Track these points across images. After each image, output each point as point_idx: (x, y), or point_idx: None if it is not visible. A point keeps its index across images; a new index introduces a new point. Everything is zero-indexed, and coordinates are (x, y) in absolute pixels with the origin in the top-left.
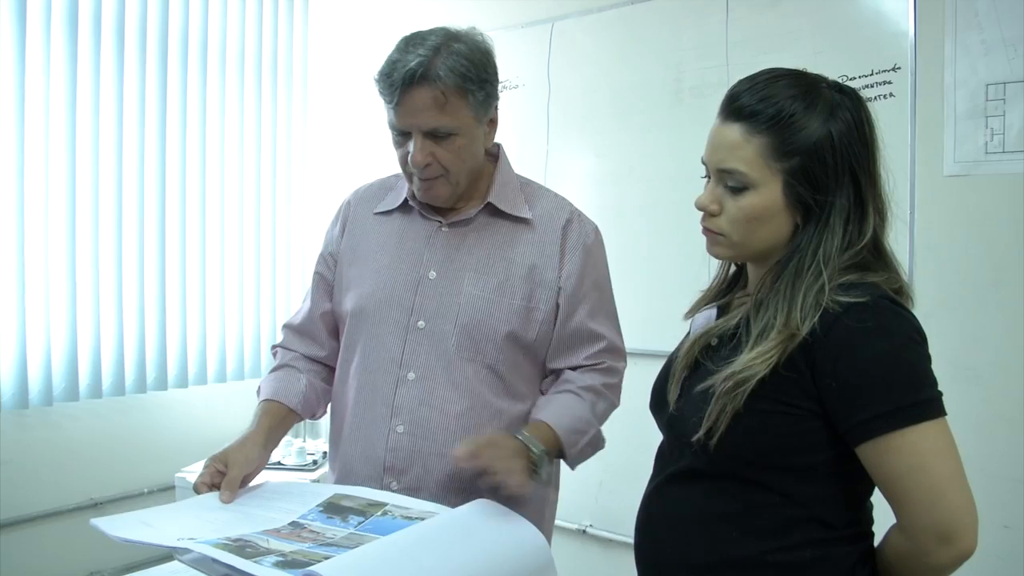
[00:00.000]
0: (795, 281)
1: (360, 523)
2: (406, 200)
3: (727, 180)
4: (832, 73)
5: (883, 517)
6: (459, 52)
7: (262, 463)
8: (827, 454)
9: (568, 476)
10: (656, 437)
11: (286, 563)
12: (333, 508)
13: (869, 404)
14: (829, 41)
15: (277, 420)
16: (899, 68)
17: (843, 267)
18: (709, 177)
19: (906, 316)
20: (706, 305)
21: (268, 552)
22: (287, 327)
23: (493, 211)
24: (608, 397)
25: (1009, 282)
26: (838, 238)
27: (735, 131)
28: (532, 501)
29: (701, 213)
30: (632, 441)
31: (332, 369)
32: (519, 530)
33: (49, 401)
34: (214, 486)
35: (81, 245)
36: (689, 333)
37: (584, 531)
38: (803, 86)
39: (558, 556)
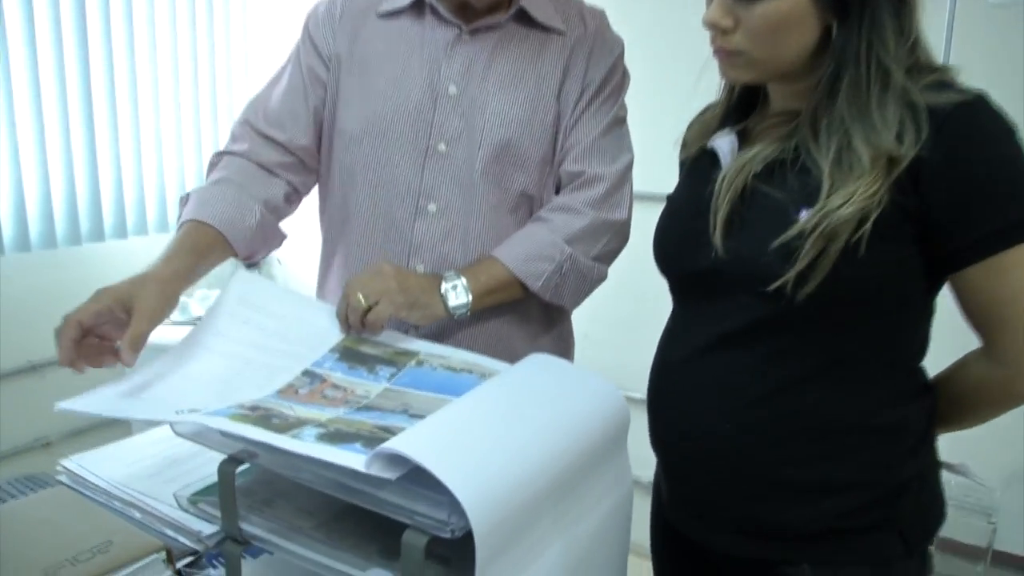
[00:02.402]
0: (860, 94)
1: (393, 376)
2: None
3: None
4: None
5: None
6: None
7: (174, 309)
8: (920, 286)
9: None
10: (648, 285)
11: (329, 436)
12: (352, 355)
13: (985, 218)
14: None
15: (203, 254)
16: None
17: (905, 69)
18: None
19: (1011, 121)
20: (718, 130)
21: (299, 423)
22: (247, 124)
23: (523, 18)
24: (587, 221)
25: None
26: (889, 34)
27: None
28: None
29: (710, 34)
30: (620, 290)
31: (297, 195)
32: (599, 389)
33: None
34: (88, 332)
35: None
36: (699, 163)
37: None
38: None
39: None
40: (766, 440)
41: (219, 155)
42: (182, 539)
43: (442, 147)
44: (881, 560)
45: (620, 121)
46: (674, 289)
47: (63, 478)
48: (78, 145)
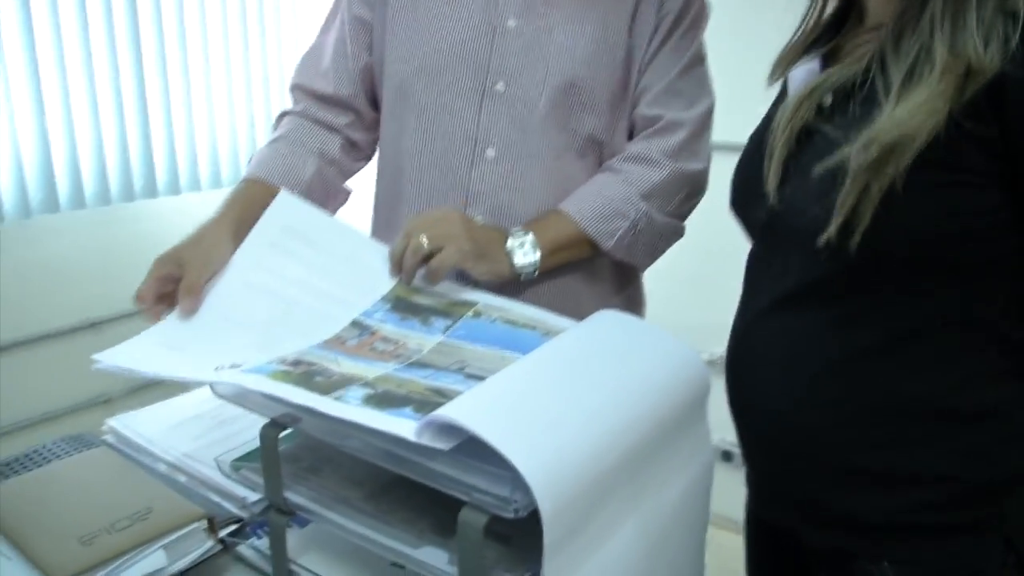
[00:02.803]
0: None
1: (449, 328)
2: None
3: None
4: None
5: None
6: None
7: (227, 261)
8: (1008, 243)
9: None
10: (726, 238)
11: (376, 398)
12: (405, 306)
13: None
14: None
15: (256, 210)
16: None
17: None
18: None
19: None
20: (801, 57)
21: (344, 381)
22: (298, 88)
23: None
24: (666, 173)
25: None
26: None
27: None
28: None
29: None
30: (694, 244)
31: (358, 150)
32: (676, 350)
33: (27, 213)
34: (163, 297)
35: (41, 38)
36: (783, 98)
37: None
38: None
39: None
40: (831, 419)
41: (281, 115)
42: (227, 505)
43: (500, 87)
44: (978, 568)
45: (700, 59)
46: (749, 238)
47: (109, 438)
48: (129, 101)
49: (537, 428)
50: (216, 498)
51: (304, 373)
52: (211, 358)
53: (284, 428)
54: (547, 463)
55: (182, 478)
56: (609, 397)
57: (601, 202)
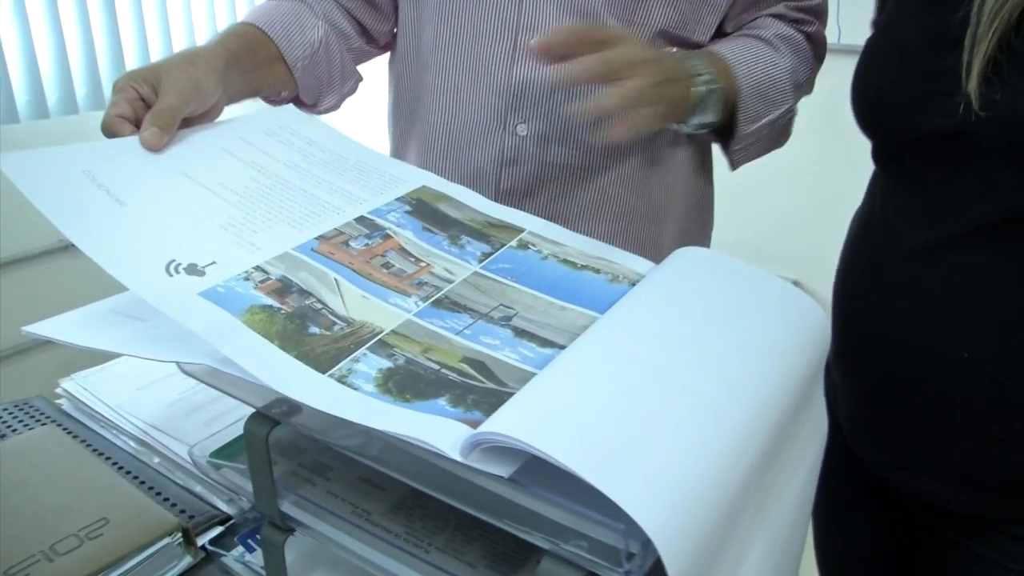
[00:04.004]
0: None
1: (487, 257)
2: None
3: None
4: None
5: None
6: None
7: (214, 102)
8: None
9: None
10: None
11: (399, 380)
12: (427, 212)
13: None
14: None
15: (250, 54)
16: None
17: None
18: None
19: None
20: None
21: (350, 340)
22: None
23: None
24: (810, 68)
25: None
26: None
27: None
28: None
29: None
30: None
31: (368, 36)
32: (796, 305)
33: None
34: (136, 120)
35: None
36: None
37: None
38: None
39: None
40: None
41: None
42: (209, 499)
43: None
44: None
45: None
46: (884, 156)
47: (63, 403)
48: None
49: (646, 445)
50: (197, 488)
51: (292, 317)
52: (165, 245)
53: (276, 423)
54: (668, 499)
55: (154, 459)
56: (730, 385)
57: (764, 79)
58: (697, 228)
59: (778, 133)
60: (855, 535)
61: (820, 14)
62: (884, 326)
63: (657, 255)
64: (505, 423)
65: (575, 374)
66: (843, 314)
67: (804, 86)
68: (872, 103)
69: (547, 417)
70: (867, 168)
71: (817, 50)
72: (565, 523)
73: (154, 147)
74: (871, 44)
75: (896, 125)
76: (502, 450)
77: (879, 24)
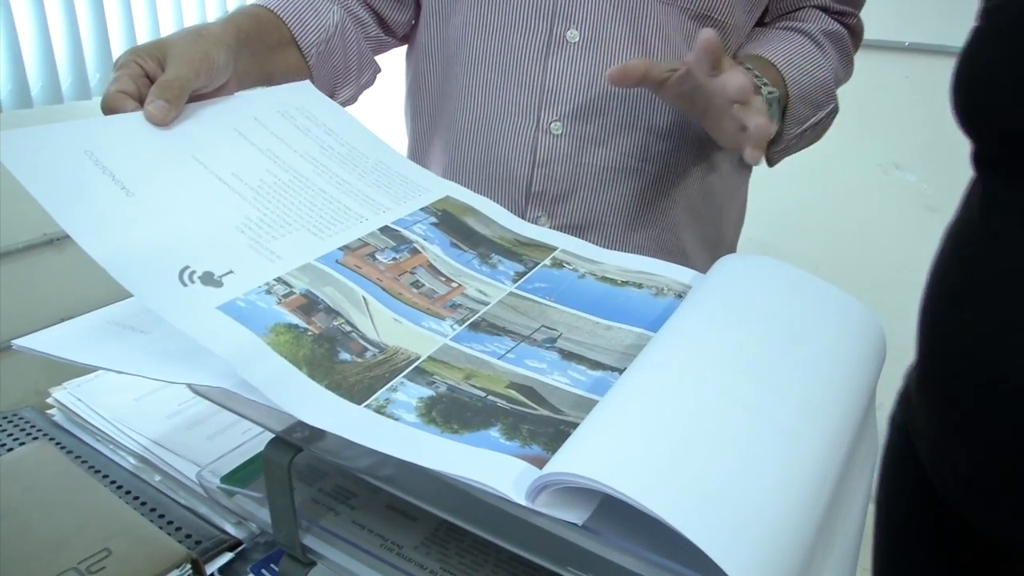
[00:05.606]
0: None
1: (520, 277)
2: None
3: None
4: None
5: None
6: None
7: (225, 79)
8: None
9: None
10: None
11: (442, 405)
12: (453, 225)
13: None
14: None
15: (261, 36)
16: None
17: None
18: None
19: None
20: None
21: (386, 367)
22: None
23: None
24: (850, 62)
25: None
26: None
27: None
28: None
29: None
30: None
31: (385, 25)
32: (855, 317)
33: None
34: (140, 98)
35: None
36: None
37: None
38: None
39: None
40: None
41: None
42: (218, 524)
43: None
44: None
45: None
46: (987, 159)
47: (56, 415)
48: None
49: (728, 484)
50: (202, 509)
51: (320, 340)
52: (175, 250)
53: (299, 450)
54: (755, 547)
55: (156, 477)
56: (802, 408)
57: (811, 81)
58: (733, 234)
59: (820, 130)
60: (928, 574)
61: (861, 4)
62: (981, 351)
63: (698, 263)
64: (578, 462)
65: (642, 402)
66: (930, 335)
67: (844, 80)
68: (976, 97)
69: (623, 454)
70: (870, 165)
71: (857, 42)
72: (637, 571)
73: (160, 121)
74: (978, 32)
75: (1003, 124)
76: (572, 491)
77: (988, 10)
